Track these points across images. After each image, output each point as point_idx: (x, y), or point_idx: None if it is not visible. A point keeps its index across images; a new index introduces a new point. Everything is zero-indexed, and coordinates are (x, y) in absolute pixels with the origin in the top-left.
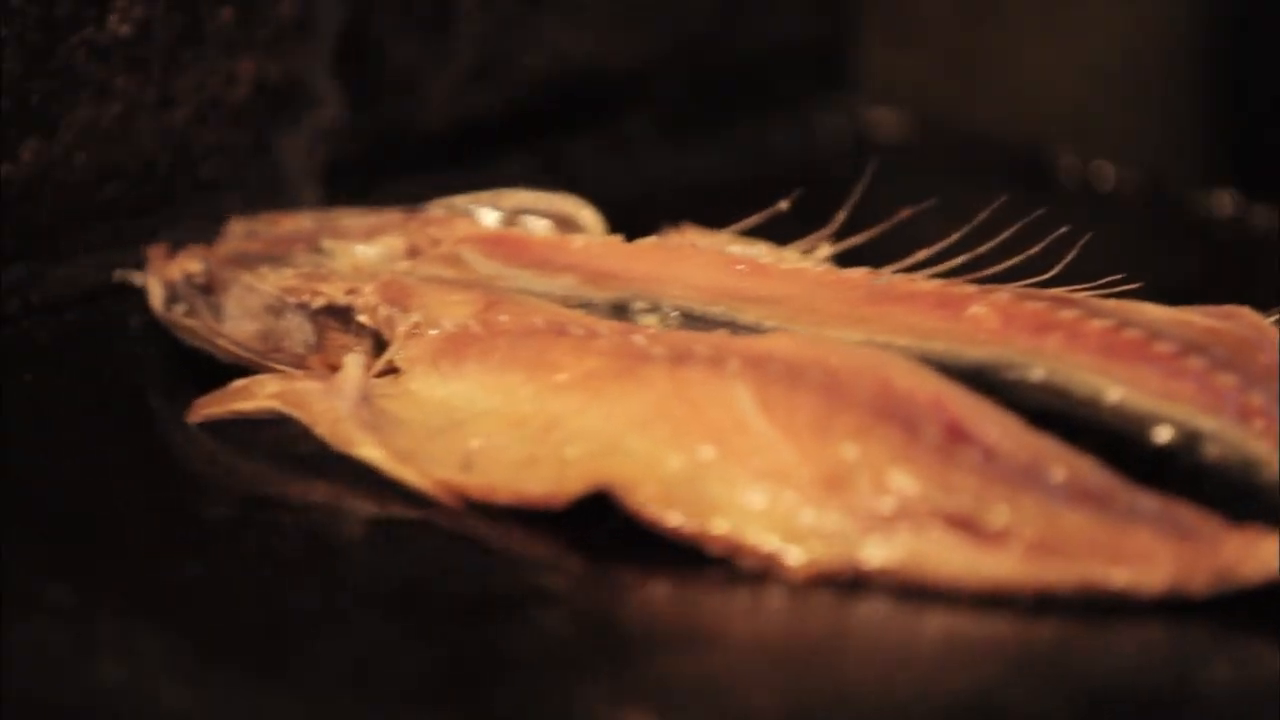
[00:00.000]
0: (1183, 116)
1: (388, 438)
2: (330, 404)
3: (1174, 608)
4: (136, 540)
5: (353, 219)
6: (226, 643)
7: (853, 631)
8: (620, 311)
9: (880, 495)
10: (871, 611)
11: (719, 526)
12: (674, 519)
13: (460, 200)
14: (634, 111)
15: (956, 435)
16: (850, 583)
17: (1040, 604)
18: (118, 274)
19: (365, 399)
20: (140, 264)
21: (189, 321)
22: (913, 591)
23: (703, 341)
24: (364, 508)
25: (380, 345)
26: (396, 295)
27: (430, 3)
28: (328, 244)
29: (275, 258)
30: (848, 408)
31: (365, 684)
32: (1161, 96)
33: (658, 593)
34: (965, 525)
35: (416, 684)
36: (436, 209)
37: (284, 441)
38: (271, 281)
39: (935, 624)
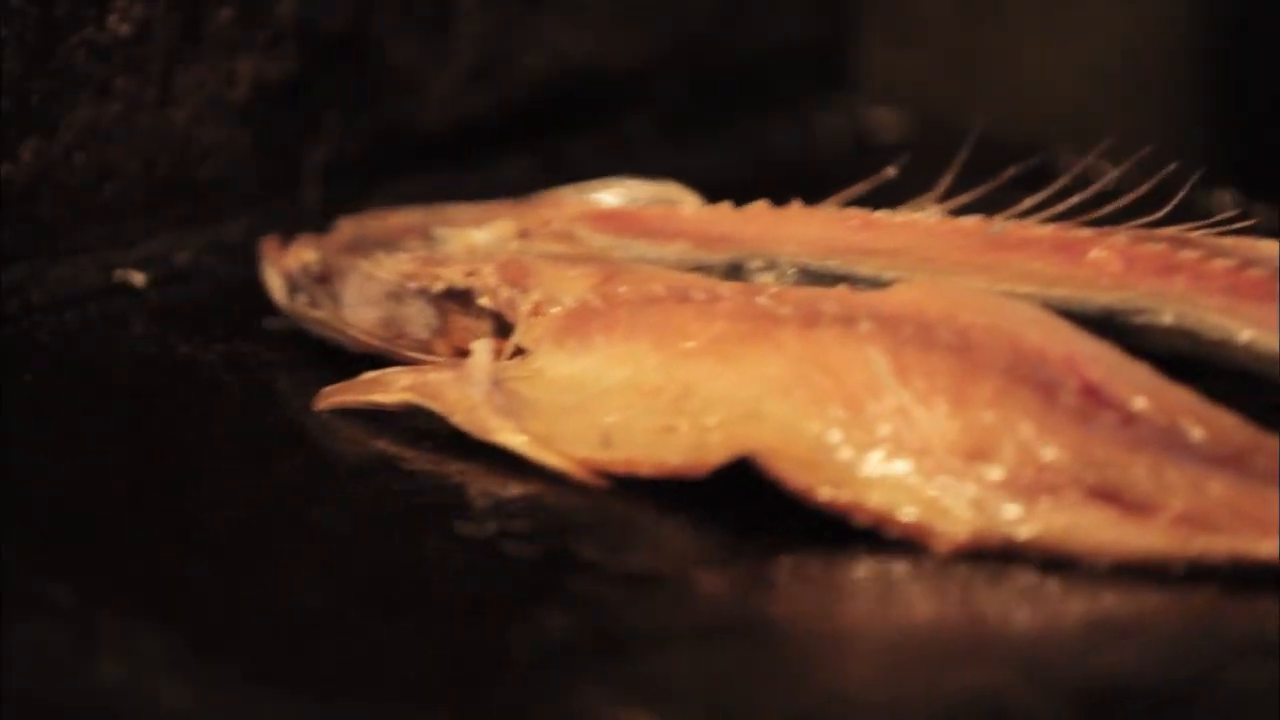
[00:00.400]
0: (1183, 116)
1: (524, 421)
2: (464, 393)
3: (1173, 607)
4: (136, 540)
5: (461, 210)
6: (226, 643)
7: (853, 631)
8: (736, 272)
9: (1021, 466)
10: (872, 610)
11: (864, 498)
12: (818, 490)
13: (564, 190)
14: (634, 111)
15: (1093, 397)
16: (1000, 555)
17: (1041, 601)
18: (118, 274)
19: (497, 384)
20: (140, 264)
21: (316, 313)
22: (921, 585)
23: (829, 299)
24: (364, 508)
25: (503, 326)
26: (515, 275)
27: (430, 3)
28: (439, 231)
29: (389, 244)
30: (983, 372)
31: (365, 684)
32: (1161, 96)
33: (659, 592)
34: (1108, 497)
35: (416, 684)
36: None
37: (283, 440)
38: (389, 267)
39: (936, 623)
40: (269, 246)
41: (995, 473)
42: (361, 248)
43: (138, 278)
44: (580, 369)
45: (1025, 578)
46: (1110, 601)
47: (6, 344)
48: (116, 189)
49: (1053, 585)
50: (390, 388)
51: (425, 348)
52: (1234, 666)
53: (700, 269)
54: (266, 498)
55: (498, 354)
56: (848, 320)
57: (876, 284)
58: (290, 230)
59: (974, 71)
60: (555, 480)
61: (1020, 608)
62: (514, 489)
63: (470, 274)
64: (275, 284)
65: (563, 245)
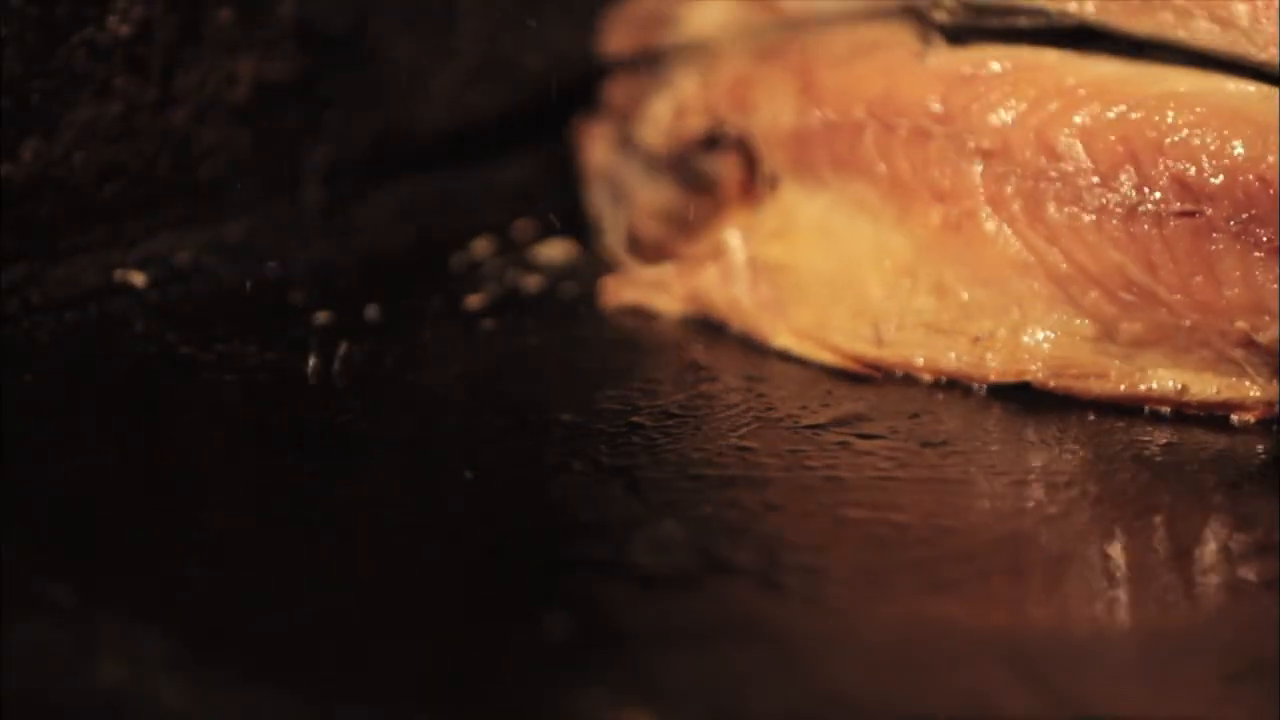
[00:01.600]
0: None
1: (791, 313)
2: (731, 293)
3: (1173, 608)
4: (136, 540)
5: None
6: (226, 643)
7: (855, 629)
8: (911, 14)
9: None
10: (871, 608)
11: (1154, 390)
12: (1107, 391)
13: None
14: None
15: None
16: None
17: (1039, 600)
18: (118, 274)
19: (754, 268)
20: (140, 264)
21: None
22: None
23: (1045, 153)
24: (364, 508)
25: (750, 153)
26: (736, 98)
27: (430, 3)
28: (671, 38)
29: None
30: (1221, 236)
31: (365, 684)
32: None
33: (657, 592)
34: None
35: (416, 684)
36: None
37: (281, 440)
38: (649, 137)
39: (936, 620)
40: (583, 131)
41: (1266, 346)
42: (625, 116)
43: (138, 278)
44: (822, 211)
45: (1033, 585)
46: (1110, 601)
47: (6, 344)
48: (116, 189)
49: (1042, 588)
50: (670, 291)
51: (722, 204)
52: (1232, 666)
53: (881, 16)
54: (265, 498)
55: (750, 198)
56: (1074, 199)
57: (1042, 14)
58: (291, 230)
59: None
60: (547, 479)
61: (1020, 608)
62: (517, 486)
63: (705, 113)
64: (598, 189)
65: (770, 15)
